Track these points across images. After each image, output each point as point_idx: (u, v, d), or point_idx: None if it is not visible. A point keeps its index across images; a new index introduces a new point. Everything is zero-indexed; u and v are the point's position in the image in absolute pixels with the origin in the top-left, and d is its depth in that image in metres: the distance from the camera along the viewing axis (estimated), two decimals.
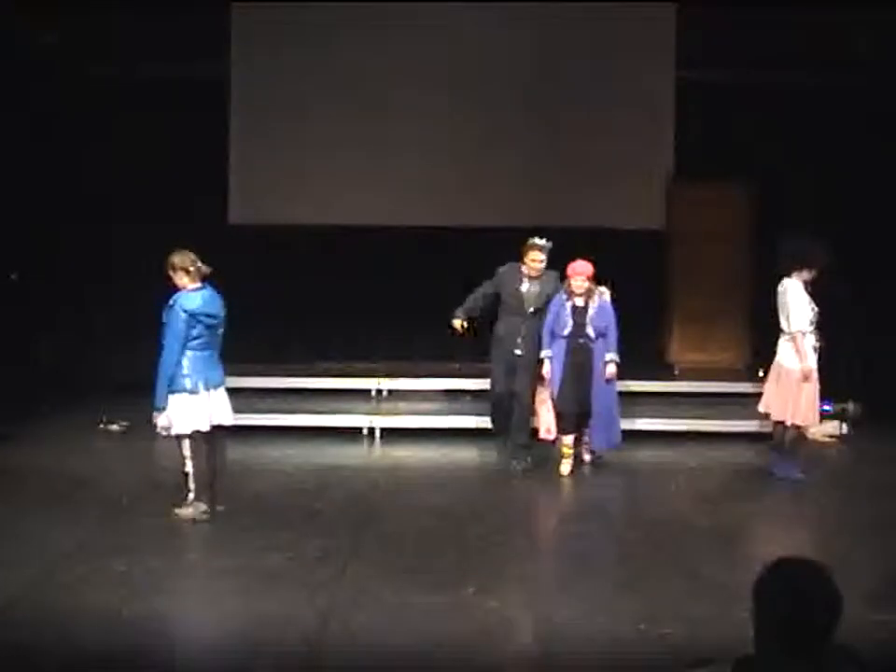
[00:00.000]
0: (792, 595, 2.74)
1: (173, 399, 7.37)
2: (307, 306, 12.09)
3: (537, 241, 8.98)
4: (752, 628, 2.80)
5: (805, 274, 8.69)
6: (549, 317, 8.91)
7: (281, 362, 11.77)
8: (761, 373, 11.39)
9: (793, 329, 8.66)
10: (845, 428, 10.57)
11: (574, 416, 8.95)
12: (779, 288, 8.80)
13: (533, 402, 9.13)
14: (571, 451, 8.99)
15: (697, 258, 11.87)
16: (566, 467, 8.97)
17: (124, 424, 10.14)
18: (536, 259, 8.96)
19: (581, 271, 8.86)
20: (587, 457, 9.30)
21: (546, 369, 8.92)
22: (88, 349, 11.87)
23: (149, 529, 7.17)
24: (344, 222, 11.96)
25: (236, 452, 9.28)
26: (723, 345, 12.01)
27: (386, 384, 11.36)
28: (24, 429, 9.91)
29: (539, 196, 11.93)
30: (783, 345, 8.81)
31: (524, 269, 9.03)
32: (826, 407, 10.00)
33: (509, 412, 9.22)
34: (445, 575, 6.33)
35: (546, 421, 9.05)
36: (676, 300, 12.10)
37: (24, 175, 11.62)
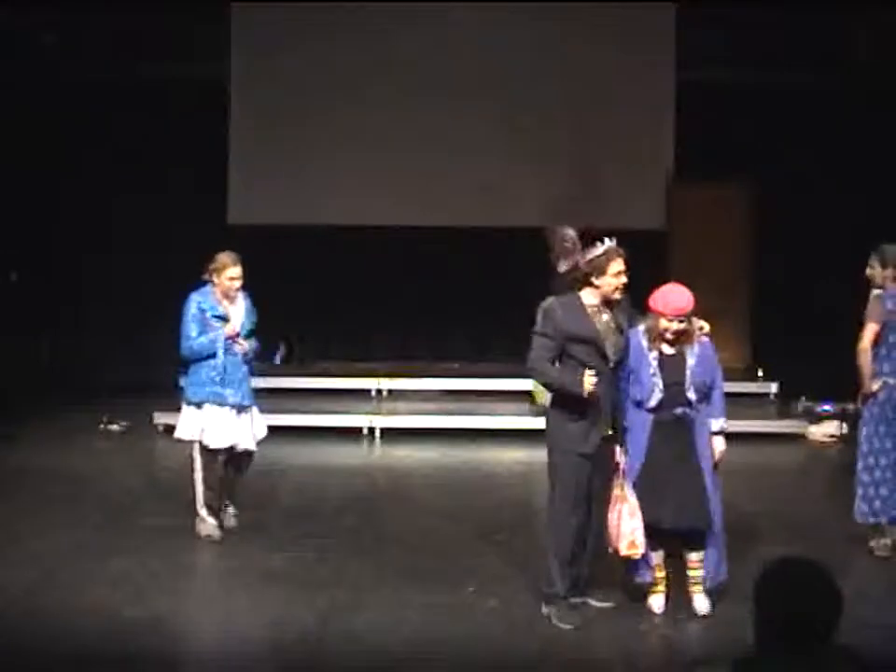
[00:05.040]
0: (792, 595, 2.74)
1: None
2: (307, 306, 12.09)
3: (608, 243, 5.67)
4: (752, 628, 2.80)
5: None
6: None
7: (281, 362, 11.78)
8: (760, 373, 11.42)
9: None
10: (845, 428, 10.55)
11: (673, 533, 5.60)
12: None
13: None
14: (664, 575, 5.73)
15: (697, 258, 11.85)
16: (657, 601, 5.71)
17: (124, 424, 10.13)
18: (620, 272, 5.59)
19: (679, 305, 5.64)
20: (704, 607, 5.65)
21: (619, 455, 5.57)
22: (88, 349, 11.87)
23: (149, 529, 7.16)
24: (344, 222, 11.96)
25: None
26: (723, 345, 11.96)
27: (386, 384, 11.37)
28: (24, 429, 9.91)
29: (540, 196, 11.91)
30: None
31: (587, 297, 5.58)
32: (826, 407, 9.99)
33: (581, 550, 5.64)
34: (445, 575, 6.32)
35: (627, 529, 5.47)
36: None
37: (24, 176, 11.62)
